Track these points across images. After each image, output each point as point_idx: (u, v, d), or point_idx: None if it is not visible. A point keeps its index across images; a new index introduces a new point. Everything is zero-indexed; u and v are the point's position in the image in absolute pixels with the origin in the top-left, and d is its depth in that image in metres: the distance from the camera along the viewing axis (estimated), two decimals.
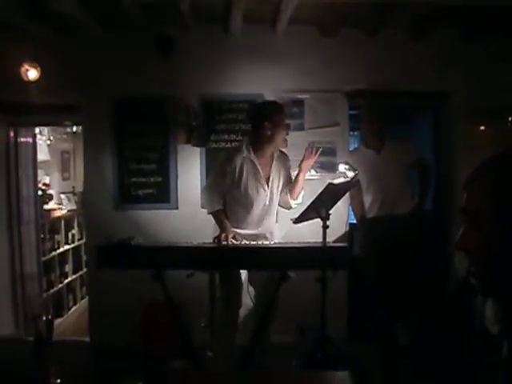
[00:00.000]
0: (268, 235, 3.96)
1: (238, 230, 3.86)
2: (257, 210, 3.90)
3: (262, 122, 3.77)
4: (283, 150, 4.13)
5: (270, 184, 3.89)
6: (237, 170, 3.79)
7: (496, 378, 1.13)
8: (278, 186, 3.98)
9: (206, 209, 3.96)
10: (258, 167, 3.84)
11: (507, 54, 4.84)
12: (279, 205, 4.05)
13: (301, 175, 3.91)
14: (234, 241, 3.71)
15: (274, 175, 3.92)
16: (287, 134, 3.98)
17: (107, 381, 1.96)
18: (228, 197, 3.91)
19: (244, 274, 3.93)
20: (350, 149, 5.19)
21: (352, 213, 5.02)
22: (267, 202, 3.91)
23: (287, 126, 3.95)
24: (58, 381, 1.82)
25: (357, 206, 4.85)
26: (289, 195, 3.99)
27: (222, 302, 3.94)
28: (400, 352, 4.58)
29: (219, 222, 3.81)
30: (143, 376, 1.81)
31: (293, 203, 4.01)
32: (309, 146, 3.94)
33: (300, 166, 3.92)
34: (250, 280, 3.99)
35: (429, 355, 4.44)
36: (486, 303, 3.98)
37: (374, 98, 4.97)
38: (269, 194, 3.90)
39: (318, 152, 3.94)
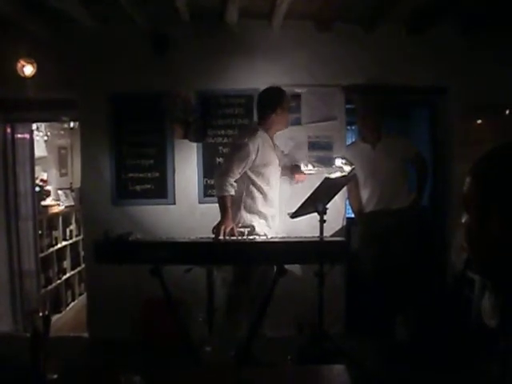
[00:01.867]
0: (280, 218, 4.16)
1: (263, 210, 3.97)
2: (276, 188, 4.08)
3: (270, 109, 4.03)
4: None
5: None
6: (260, 147, 3.91)
7: (493, 370, 1.14)
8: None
9: (216, 192, 4.00)
10: (272, 143, 4.09)
11: (504, 50, 4.84)
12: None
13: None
14: (231, 235, 3.74)
15: (278, 153, 4.19)
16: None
17: (104, 376, 1.97)
18: (255, 176, 3.98)
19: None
20: (347, 143, 5.19)
21: (349, 207, 5.03)
22: (278, 179, 4.15)
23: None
24: (55, 376, 1.83)
25: (354, 200, 4.86)
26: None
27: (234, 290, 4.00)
28: (398, 346, 4.60)
29: (223, 209, 3.83)
30: (141, 371, 1.82)
31: None
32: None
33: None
34: None
35: (427, 349, 4.47)
36: (483, 297, 4.00)
37: (371, 93, 4.97)
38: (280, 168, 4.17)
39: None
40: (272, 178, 4.02)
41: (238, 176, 3.90)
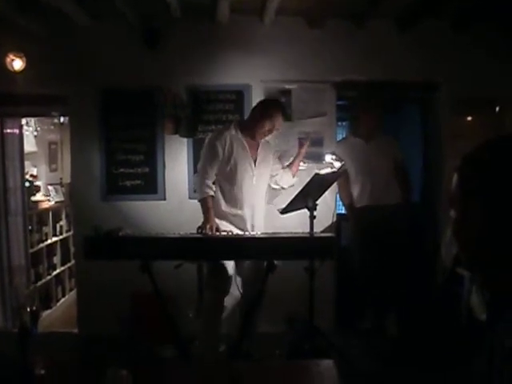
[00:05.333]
0: (256, 222, 4.06)
1: (226, 209, 3.96)
2: (244, 188, 3.99)
3: (256, 113, 4.06)
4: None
5: (256, 165, 4.05)
6: (226, 146, 3.94)
7: (482, 363, 1.15)
8: (265, 173, 4.11)
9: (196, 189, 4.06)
10: (246, 145, 4.01)
11: (494, 45, 4.86)
12: (278, 185, 4.27)
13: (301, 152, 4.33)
14: (217, 232, 3.76)
15: (260, 159, 4.08)
16: (270, 133, 4.16)
17: (91, 370, 1.96)
18: (219, 175, 4.01)
19: (231, 263, 3.95)
20: (338, 139, 5.20)
21: (340, 203, 5.04)
22: (254, 182, 4.03)
23: (274, 125, 4.07)
24: (43, 372, 1.82)
25: (344, 194, 4.87)
26: (289, 172, 4.27)
27: (209, 290, 3.97)
28: (387, 342, 4.62)
29: (205, 211, 3.88)
30: (127, 365, 1.82)
31: (292, 180, 4.28)
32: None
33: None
34: (238, 270, 4.03)
35: (416, 345, 4.49)
36: (472, 292, 4.03)
37: (362, 89, 4.99)
38: (256, 174, 4.04)
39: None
40: (238, 177, 3.98)
41: (212, 176, 3.97)
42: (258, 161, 4.05)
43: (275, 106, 4.11)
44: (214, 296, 3.94)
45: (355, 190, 4.80)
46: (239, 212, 3.97)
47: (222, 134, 3.99)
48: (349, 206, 4.87)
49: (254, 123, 4.04)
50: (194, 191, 4.84)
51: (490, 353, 1.11)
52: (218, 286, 3.92)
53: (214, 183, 3.99)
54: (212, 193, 3.94)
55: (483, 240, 1.09)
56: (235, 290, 4.03)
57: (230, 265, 3.91)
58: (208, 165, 3.95)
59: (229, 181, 3.99)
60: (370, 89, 5.01)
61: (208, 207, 3.88)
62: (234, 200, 3.99)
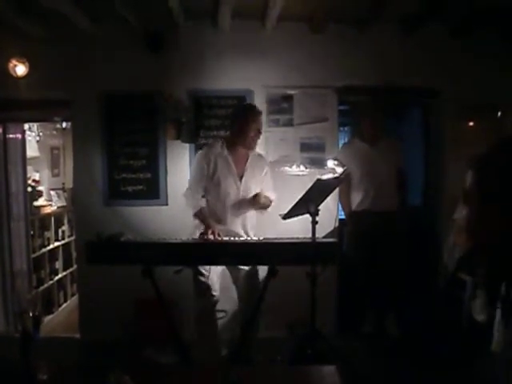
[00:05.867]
0: (248, 227, 4.09)
1: (214, 223, 3.95)
2: (229, 204, 4.01)
3: (235, 124, 4.06)
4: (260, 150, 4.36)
5: (243, 181, 4.04)
6: (211, 164, 3.99)
7: (483, 363, 1.15)
8: (254, 188, 4.09)
9: (188, 206, 4.06)
10: (231, 163, 4.02)
11: (496, 50, 4.87)
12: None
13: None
14: (218, 238, 3.77)
15: (248, 174, 4.07)
16: (258, 138, 4.10)
17: (93, 376, 1.96)
18: (206, 191, 4.07)
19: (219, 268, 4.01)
20: (340, 144, 5.21)
21: (341, 208, 5.05)
22: (240, 197, 4.03)
23: (258, 130, 4.05)
24: (45, 377, 1.82)
25: (345, 199, 4.87)
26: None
27: (196, 296, 4.00)
28: (389, 346, 4.61)
29: (203, 220, 3.93)
30: (130, 370, 1.82)
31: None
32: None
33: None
34: (233, 279, 4.08)
35: (418, 349, 4.49)
36: (475, 297, 4.02)
37: (363, 94, 5.00)
38: (242, 190, 4.03)
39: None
40: (222, 193, 4.01)
41: (201, 191, 4.05)
42: (245, 175, 4.04)
43: (252, 109, 4.11)
44: (201, 300, 3.96)
45: (358, 194, 4.80)
46: (224, 227, 3.97)
47: (206, 152, 4.05)
48: (348, 211, 4.87)
49: (239, 134, 4.03)
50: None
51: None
52: (201, 291, 3.94)
53: (204, 196, 4.08)
54: (203, 204, 4.02)
55: (501, 246, 1.09)
56: (235, 295, 4.04)
57: (212, 269, 3.94)
58: (195, 182, 4.06)
59: (214, 197, 4.04)
60: (372, 94, 5.01)
61: (205, 216, 3.93)
62: (218, 216, 4.01)
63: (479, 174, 1.14)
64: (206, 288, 3.92)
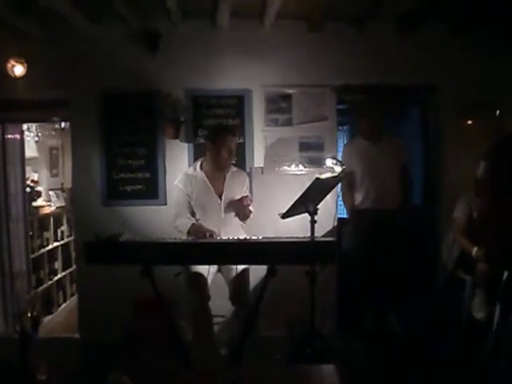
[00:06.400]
0: (237, 234, 4.06)
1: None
2: (215, 220, 4.07)
3: (207, 145, 4.16)
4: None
5: (223, 198, 4.11)
6: (189, 187, 4.11)
7: (481, 361, 1.16)
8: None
9: (181, 231, 4.09)
10: (207, 182, 4.12)
11: (495, 49, 4.87)
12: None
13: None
14: (217, 237, 3.84)
15: (228, 190, 4.14)
16: (231, 159, 4.16)
17: (93, 376, 1.96)
18: (194, 214, 4.16)
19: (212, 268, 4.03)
20: (340, 143, 5.22)
21: (341, 207, 5.05)
22: (222, 215, 4.11)
23: (230, 149, 4.10)
24: (44, 377, 1.82)
25: (348, 198, 4.87)
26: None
27: (190, 296, 3.98)
28: (389, 345, 4.61)
29: (199, 229, 3.96)
30: (129, 370, 1.81)
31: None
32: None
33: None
34: (226, 280, 4.08)
35: (418, 347, 4.49)
36: (474, 296, 4.03)
37: (362, 93, 5.00)
38: (223, 207, 4.11)
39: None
40: (206, 213, 4.11)
41: (188, 213, 4.13)
42: (225, 194, 4.11)
43: (222, 130, 4.19)
44: (195, 301, 3.95)
45: (361, 192, 4.80)
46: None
47: (182, 178, 4.18)
48: (351, 209, 4.87)
49: (212, 157, 4.12)
50: None
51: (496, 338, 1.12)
52: (195, 291, 3.94)
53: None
54: (194, 220, 4.08)
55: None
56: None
57: (205, 269, 3.94)
58: (181, 207, 4.15)
59: (201, 217, 4.12)
60: (371, 93, 5.01)
61: (196, 230, 3.96)
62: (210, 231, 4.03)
63: (492, 166, 1.15)
64: (203, 282, 3.92)
